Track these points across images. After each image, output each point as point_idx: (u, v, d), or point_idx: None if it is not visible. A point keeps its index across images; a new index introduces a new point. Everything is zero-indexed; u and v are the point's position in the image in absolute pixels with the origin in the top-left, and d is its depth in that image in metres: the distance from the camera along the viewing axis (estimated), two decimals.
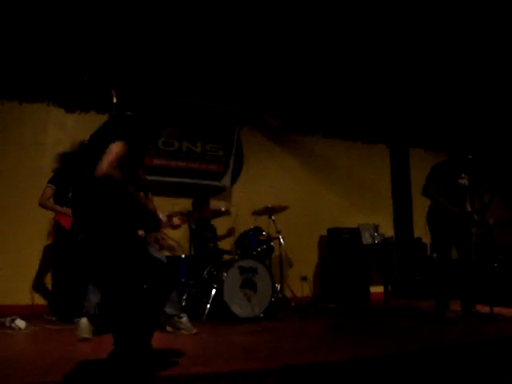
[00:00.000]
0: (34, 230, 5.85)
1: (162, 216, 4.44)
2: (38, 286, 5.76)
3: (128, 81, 6.08)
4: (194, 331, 4.22)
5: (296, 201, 7.31)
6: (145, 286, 2.39)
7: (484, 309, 4.93)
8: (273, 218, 6.17)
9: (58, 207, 5.05)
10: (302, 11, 5.59)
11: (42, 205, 5.10)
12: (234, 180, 7.31)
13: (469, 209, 5.20)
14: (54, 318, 4.96)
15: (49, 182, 5.16)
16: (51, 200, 5.10)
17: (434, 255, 5.19)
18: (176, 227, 4.78)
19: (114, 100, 5.35)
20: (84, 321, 3.95)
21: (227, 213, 5.86)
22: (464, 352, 3.49)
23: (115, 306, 2.37)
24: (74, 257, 2.54)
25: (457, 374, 3.20)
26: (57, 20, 5.56)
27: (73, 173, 2.68)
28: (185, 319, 4.29)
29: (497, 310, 4.78)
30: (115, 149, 2.32)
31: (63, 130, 6.30)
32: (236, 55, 6.49)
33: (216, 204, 6.28)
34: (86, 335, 3.88)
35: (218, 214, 5.98)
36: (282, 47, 6.33)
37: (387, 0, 5.38)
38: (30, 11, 5.40)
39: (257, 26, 5.87)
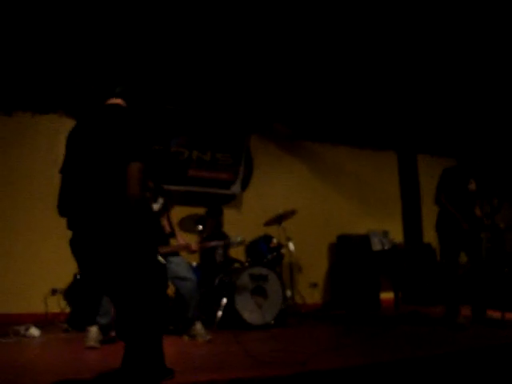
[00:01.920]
0: (47, 237, 5.91)
1: (182, 241, 4.67)
2: (52, 294, 5.82)
3: (138, 91, 6.13)
4: (209, 337, 4.27)
5: (305, 208, 7.34)
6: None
7: (495, 314, 4.92)
8: (283, 225, 6.20)
9: None
10: (311, 20, 5.64)
11: None
12: (243, 187, 7.35)
13: (479, 214, 5.19)
14: (65, 326, 4.99)
15: None
16: None
17: (444, 261, 5.18)
18: (193, 252, 4.94)
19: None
20: (94, 329, 3.99)
21: (242, 243, 5.65)
22: (475, 358, 3.50)
23: (128, 311, 2.40)
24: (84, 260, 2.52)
25: (468, 381, 3.20)
26: (69, 32, 5.64)
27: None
28: (198, 326, 4.36)
29: (509, 315, 4.77)
30: (138, 170, 2.32)
31: None
32: (245, 64, 6.54)
33: (231, 235, 6.14)
34: (93, 343, 3.90)
35: (232, 244, 5.71)
36: (291, 55, 6.37)
37: (397, 7, 5.42)
38: (42, 24, 5.48)
39: (266, 35, 5.92)
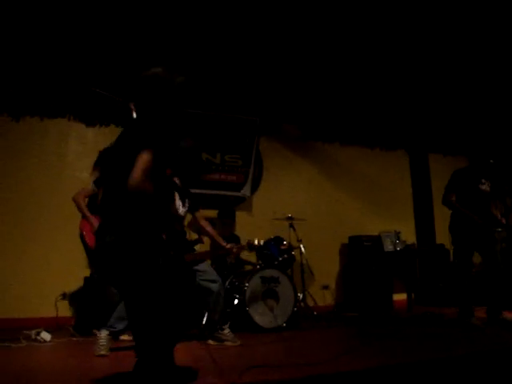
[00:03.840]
0: (56, 242, 5.92)
1: (224, 243, 4.72)
2: (62, 298, 5.81)
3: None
4: (239, 342, 4.24)
5: (316, 209, 7.30)
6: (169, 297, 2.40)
7: (511, 315, 4.84)
8: (293, 226, 6.16)
9: (88, 213, 4.74)
10: (320, 21, 5.61)
11: (75, 200, 4.81)
12: (254, 189, 7.31)
13: (495, 213, 5.10)
14: (73, 331, 4.97)
15: (94, 182, 4.87)
16: (86, 200, 4.84)
17: (456, 261, 5.11)
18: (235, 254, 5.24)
19: (133, 114, 5.42)
20: (103, 336, 3.84)
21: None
22: (490, 360, 3.43)
23: (138, 315, 2.38)
24: (96, 261, 2.55)
25: (483, 383, 3.14)
26: (76, 37, 5.66)
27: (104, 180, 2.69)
28: (227, 331, 4.32)
29: None
30: (144, 159, 2.20)
31: (84, 143, 6.40)
32: (253, 65, 6.52)
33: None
34: (103, 352, 3.75)
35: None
36: (300, 56, 6.35)
37: (406, 9, 5.38)
38: (49, 29, 5.50)
39: (274, 36, 5.90)
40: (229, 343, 4.23)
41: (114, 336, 3.98)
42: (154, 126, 2.42)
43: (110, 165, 2.56)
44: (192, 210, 4.61)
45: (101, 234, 2.44)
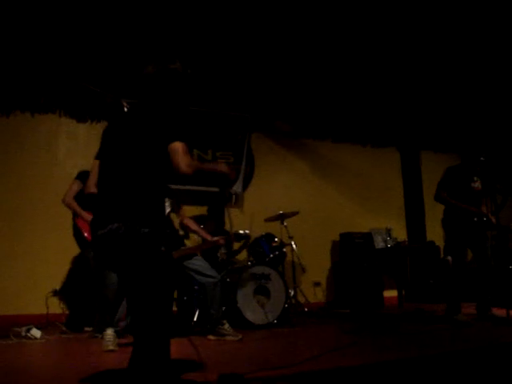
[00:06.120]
0: (46, 238, 5.89)
1: (210, 237, 4.89)
2: (53, 295, 5.78)
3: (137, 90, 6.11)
4: (240, 337, 4.29)
5: (308, 206, 7.30)
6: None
7: (500, 312, 4.87)
8: (285, 223, 6.17)
9: (83, 212, 4.57)
10: (313, 19, 5.61)
11: (66, 203, 4.63)
12: (245, 186, 7.31)
13: (485, 212, 5.13)
14: (64, 328, 4.96)
15: (76, 177, 4.72)
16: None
17: (448, 258, 5.13)
18: (222, 245, 5.22)
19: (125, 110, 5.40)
20: (109, 332, 3.90)
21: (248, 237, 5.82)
22: (479, 356, 3.46)
23: (138, 308, 2.37)
24: (96, 252, 2.50)
25: (472, 379, 3.16)
26: (67, 32, 5.63)
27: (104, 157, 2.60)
28: (227, 325, 4.37)
29: None
30: (181, 146, 2.37)
31: (75, 139, 6.36)
32: (245, 62, 6.50)
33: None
34: (112, 347, 3.81)
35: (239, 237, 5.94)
36: (292, 53, 6.34)
37: (399, 7, 5.38)
38: (40, 24, 5.46)
39: (266, 33, 5.89)
40: (229, 338, 4.27)
41: (119, 334, 4.04)
42: (175, 119, 2.53)
43: (113, 152, 2.51)
44: (174, 209, 4.72)
45: (103, 223, 2.37)
